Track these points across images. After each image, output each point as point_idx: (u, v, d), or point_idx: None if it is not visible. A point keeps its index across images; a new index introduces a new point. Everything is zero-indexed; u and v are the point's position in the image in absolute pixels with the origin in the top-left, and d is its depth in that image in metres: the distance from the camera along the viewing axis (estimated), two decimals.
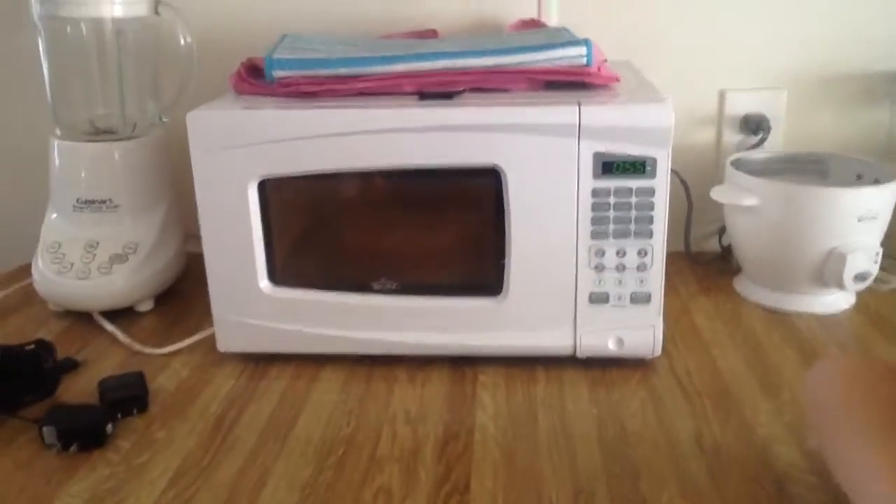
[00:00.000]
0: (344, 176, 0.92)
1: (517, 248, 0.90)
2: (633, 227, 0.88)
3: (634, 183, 0.87)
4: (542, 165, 0.87)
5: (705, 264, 1.23)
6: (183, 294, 1.18)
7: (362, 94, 0.93)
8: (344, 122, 0.88)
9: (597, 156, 0.87)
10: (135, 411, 0.88)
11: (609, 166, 0.87)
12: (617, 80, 0.94)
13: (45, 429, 0.82)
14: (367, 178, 0.92)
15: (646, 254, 0.89)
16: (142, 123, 1.16)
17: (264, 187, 0.92)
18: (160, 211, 1.15)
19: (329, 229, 0.95)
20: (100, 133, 1.16)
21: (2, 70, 1.34)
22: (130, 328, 1.07)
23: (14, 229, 1.28)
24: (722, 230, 1.25)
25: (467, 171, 0.89)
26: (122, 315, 1.10)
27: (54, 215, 1.14)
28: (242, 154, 0.90)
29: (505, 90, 0.93)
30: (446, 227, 0.94)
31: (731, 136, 1.27)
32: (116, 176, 1.12)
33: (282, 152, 0.89)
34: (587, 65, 0.93)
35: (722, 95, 1.26)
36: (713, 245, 1.27)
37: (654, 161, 0.86)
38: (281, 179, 0.91)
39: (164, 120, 1.18)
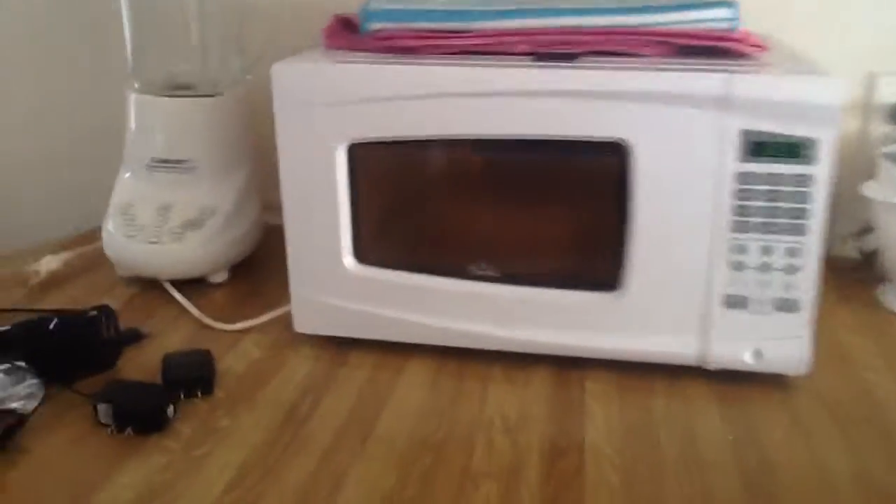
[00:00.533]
0: (443, 144, 0.80)
1: (641, 238, 0.77)
2: (782, 221, 0.74)
3: (788, 169, 0.73)
4: (677, 142, 0.74)
5: (843, 271, 1.08)
6: (259, 267, 1.09)
7: (468, 52, 0.81)
8: (447, 82, 0.76)
9: (745, 134, 0.73)
10: (199, 393, 0.79)
11: (759, 147, 0.73)
12: (765, 49, 0.80)
13: (99, 406, 0.73)
14: (469, 149, 0.81)
15: (797, 254, 0.75)
16: (224, 80, 1.07)
17: (354, 152, 0.81)
18: (240, 175, 1.06)
19: (423, 204, 0.84)
20: (179, 88, 1.07)
21: (81, 19, 1.27)
22: (201, 300, 0.99)
23: (88, 189, 1.21)
24: (863, 232, 1.09)
25: (587, 145, 0.76)
26: (193, 285, 1.03)
27: (127, 174, 1.06)
28: (331, 114, 0.79)
29: (632, 55, 0.80)
30: (558, 209, 0.81)
31: (880, 126, 1.11)
32: (195, 135, 1.03)
33: (375, 113, 0.78)
34: (732, 30, 0.79)
35: (871, 79, 1.10)
36: (849, 250, 1.12)
37: (815, 144, 0.72)
38: (372, 144, 0.81)
39: (249, 77, 1.08)
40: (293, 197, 0.84)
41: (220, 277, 1.06)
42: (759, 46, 0.79)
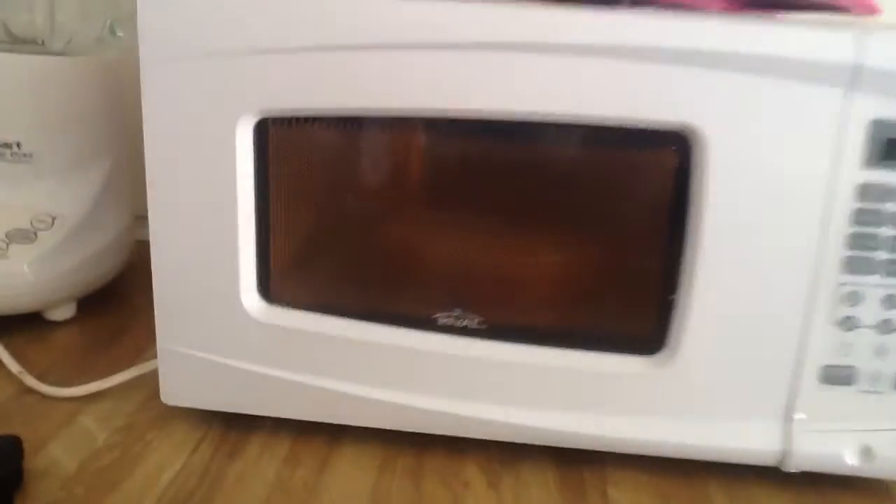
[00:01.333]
0: (406, 124, 0.52)
1: (704, 278, 0.50)
2: None
3: None
4: (771, 135, 0.48)
5: None
6: (122, 302, 0.77)
7: None
8: (418, 25, 0.48)
9: (877, 127, 0.48)
10: None
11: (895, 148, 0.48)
12: (878, 11, 0.55)
13: None
14: (445, 133, 0.52)
15: None
16: (82, 36, 0.75)
17: (264, 133, 0.52)
18: (97, 170, 0.75)
19: (371, 216, 0.55)
20: (17, 43, 0.75)
21: None
22: (29, 348, 0.68)
23: None
24: None
25: (630, 133, 0.50)
26: (19, 325, 0.71)
27: None
28: (231, 70, 0.50)
29: (689, 5, 0.53)
30: (578, 230, 0.54)
31: None
32: (30, 108, 0.71)
33: (300, 72, 0.49)
34: None
35: None
36: None
37: None
38: (294, 121, 0.52)
39: (119, 35, 0.77)
40: (164, 199, 0.54)
41: (62, 315, 0.75)
42: (869, 7, 0.54)
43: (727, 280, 0.51)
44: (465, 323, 0.55)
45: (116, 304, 0.79)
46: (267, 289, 0.56)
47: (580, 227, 0.53)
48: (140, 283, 0.82)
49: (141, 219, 0.61)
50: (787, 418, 0.53)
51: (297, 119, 0.52)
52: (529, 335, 0.55)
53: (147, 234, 0.55)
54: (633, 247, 0.53)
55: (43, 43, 0.75)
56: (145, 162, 0.53)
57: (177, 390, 0.58)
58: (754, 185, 0.49)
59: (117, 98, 0.76)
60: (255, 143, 0.52)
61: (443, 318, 0.55)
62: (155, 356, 0.59)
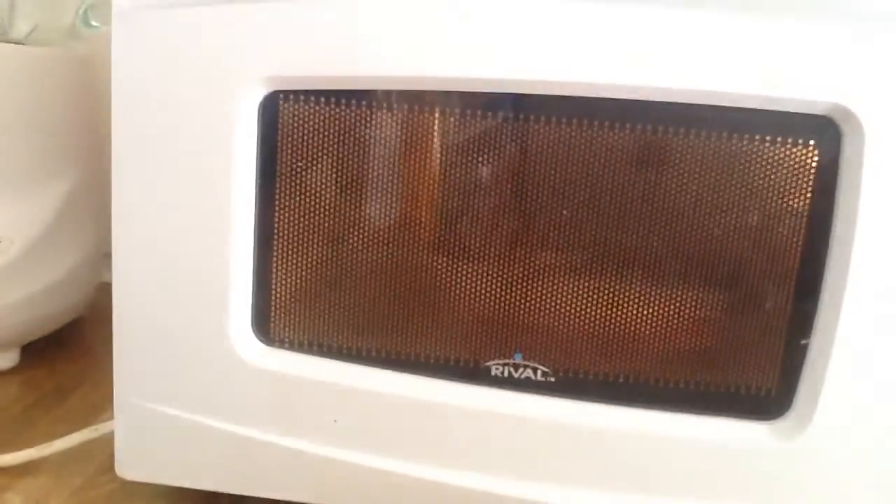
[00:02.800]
0: (455, 104, 0.40)
1: (851, 315, 0.38)
2: None
3: None
4: None
5: None
6: (77, 352, 0.63)
7: None
8: None
9: None
10: None
11: None
12: None
13: None
14: (505, 118, 0.40)
15: None
16: (50, 24, 0.63)
17: (273, 111, 0.39)
18: (58, 188, 0.62)
19: (403, 232, 0.42)
20: None
21: None
22: None
23: None
24: None
25: (754, 120, 0.38)
26: None
27: None
28: (229, 23, 0.38)
29: None
30: (675, 254, 0.41)
31: None
32: None
33: (325, 26, 0.37)
34: None
35: None
36: None
37: None
38: (313, 97, 0.39)
39: (95, 25, 0.65)
40: (133, 203, 0.40)
41: (2, 363, 0.60)
42: None
43: (883, 321, 0.38)
44: (526, 374, 0.42)
45: (69, 353, 0.65)
46: (266, 326, 0.43)
47: (684, 248, 0.41)
48: (101, 333, 0.68)
49: (107, 257, 0.47)
50: None
51: (318, 94, 0.39)
52: (609, 391, 0.41)
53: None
54: (753, 274, 0.40)
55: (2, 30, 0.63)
56: (112, 153, 0.40)
57: (138, 460, 0.44)
58: None
59: (88, 100, 0.63)
60: (259, 126, 0.39)
61: (497, 367, 0.42)
62: (112, 417, 0.45)
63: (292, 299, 0.43)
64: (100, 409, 0.56)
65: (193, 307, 0.41)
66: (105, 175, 0.42)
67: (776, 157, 0.39)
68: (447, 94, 0.40)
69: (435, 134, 0.41)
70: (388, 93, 0.39)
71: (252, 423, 0.42)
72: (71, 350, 0.66)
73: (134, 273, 0.41)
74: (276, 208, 0.41)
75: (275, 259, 0.42)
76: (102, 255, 0.67)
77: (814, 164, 0.38)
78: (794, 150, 0.38)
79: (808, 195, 0.38)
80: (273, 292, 0.42)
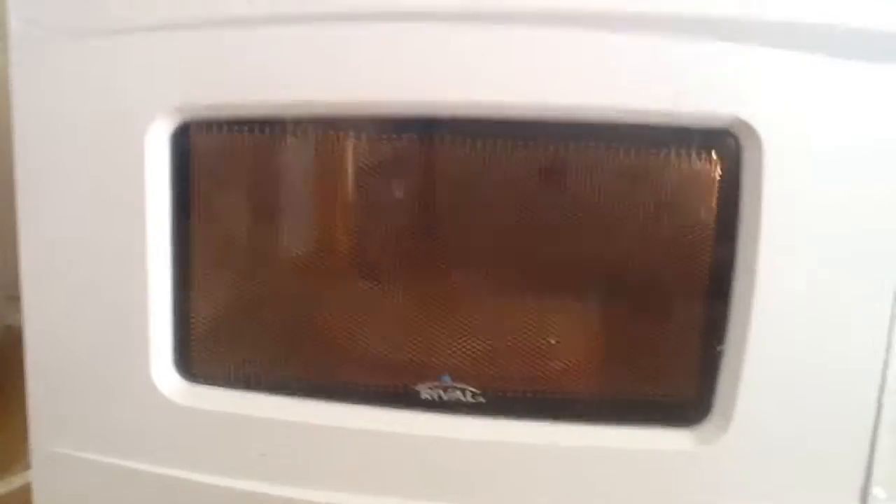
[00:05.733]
0: (370, 126, 0.40)
1: (761, 321, 0.39)
2: None
3: None
4: (844, 130, 0.38)
5: None
6: None
7: None
8: None
9: None
10: None
11: None
12: None
13: None
14: (421, 138, 0.41)
15: None
16: None
17: (184, 142, 0.39)
18: None
19: (324, 259, 0.42)
20: None
21: None
22: None
23: None
24: None
25: (661, 134, 0.39)
26: None
27: None
28: (138, 52, 0.37)
29: None
30: (594, 268, 0.42)
31: None
32: None
33: (237, 53, 0.37)
34: None
35: None
36: None
37: None
38: (225, 127, 0.39)
39: None
40: (43, 240, 0.39)
41: None
42: None
43: (791, 323, 0.40)
44: (455, 395, 0.42)
45: None
46: (188, 362, 0.42)
47: (599, 261, 0.42)
48: (8, 379, 0.65)
49: (13, 300, 0.45)
50: (863, 497, 0.41)
51: (231, 124, 0.39)
52: (537, 408, 0.42)
53: (20, 320, 0.40)
54: (667, 284, 0.42)
55: None
56: (17, 190, 0.39)
57: None
58: (823, 195, 0.38)
59: None
60: (172, 157, 0.39)
61: (426, 391, 0.42)
62: (27, 468, 0.43)
63: (213, 333, 0.42)
64: (11, 462, 0.53)
65: (112, 347, 0.40)
66: (6, 214, 0.41)
67: (680, 170, 0.40)
68: (358, 119, 0.40)
69: (347, 158, 0.41)
70: (299, 119, 0.39)
71: (179, 464, 0.41)
72: None
73: (47, 314, 0.40)
74: (193, 241, 0.41)
75: (194, 293, 0.41)
76: (6, 299, 0.64)
77: (717, 176, 0.40)
78: (698, 162, 0.40)
79: (713, 205, 0.40)
80: (194, 327, 0.42)
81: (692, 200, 0.40)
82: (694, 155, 0.40)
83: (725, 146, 0.39)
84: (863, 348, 0.40)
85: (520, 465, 0.41)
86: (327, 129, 0.39)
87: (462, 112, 0.38)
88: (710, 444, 0.41)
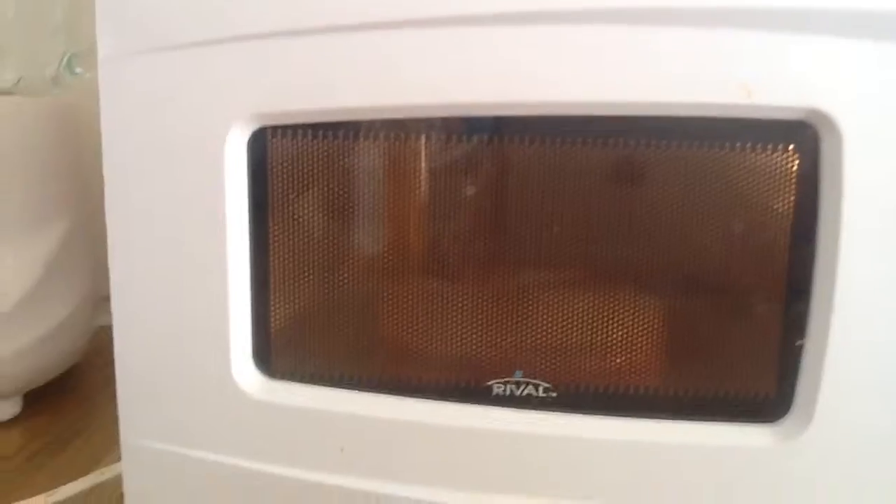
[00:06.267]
0: (445, 127, 0.40)
1: (844, 313, 0.38)
2: None
3: None
4: None
5: None
6: (79, 399, 0.63)
7: None
8: None
9: None
10: None
11: None
12: None
13: None
14: (497, 140, 0.41)
15: None
16: (34, 73, 0.64)
17: (262, 146, 0.40)
18: (50, 237, 0.62)
19: (399, 257, 0.43)
20: None
21: None
22: None
23: None
24: None
25: (734, 128, 0.38)
26: None
27: None
28: (216, 64, 0.38)
29: None
30: (667, 264, 0.42)
31: None
32: None
33: (310, 61, 0.38)
34: None
35: None
36: None
37: None
38: (301, 131, 0.40)
39: (78, 71, 0.66)
40: (130, 242, 0.41)
41: (4, 413, 0.60)
42: None
43: (873, 317, 0.38)
44: (527, 391, 0.42)
45: (71, 399, 0.65)
46: (267, 359, 0.43)
47: (674, 258, 0.41)
48: (101, 377, 0.68)
49: (104, 301, 0.47)
50: None
51: (306, 128, 0.40)
52: (611, 404, 0.42)
53: (111, 320, 0.42)
54: (743, 279, 0.41)
55: None
56: (105, 198, 0.41)
57: (147, 502, 0.44)
58: None
59: (75, 147, 0.64)
60: (249, 162, 0.40)
61: (499, 386, 0.42)
62: (117, 460, 0.45)
63: (292, 331, 0.43)
64: (104, 454, 0.56)
65: (194, 345, 0.41)
66: (97, 219, 0.42)
67: (757, 164, 0.39)
68: (429, 121, 0.40)
69: (417, 160, 0.41)
70: (370, 122, 0.40)
71: (259, 457, 0.43)
72: (72, 396, 0.66)
73: (134, 315, 0.42)
74: (271, 242, 0.42)
75: (272, 292, 0.43)
76: (100, 299, 0.67)
77: (794, 169, 0.39)
78: (774, 155, 0.39)
79: (792, 199, 0.39)
80: (272, 325, 0.43)
81: (770, 195, 0.39)
82: (771, 148, 0.39)
83: (803, 138, 0.38)
84: None
85: (594, 460, 0.41)
86: (397, 131, 0.40)
87: (530, 111, 0.38)
88: (792, 441, 0.40)
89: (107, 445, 0.56)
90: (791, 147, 0.39)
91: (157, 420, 0.43)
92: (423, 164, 0.41)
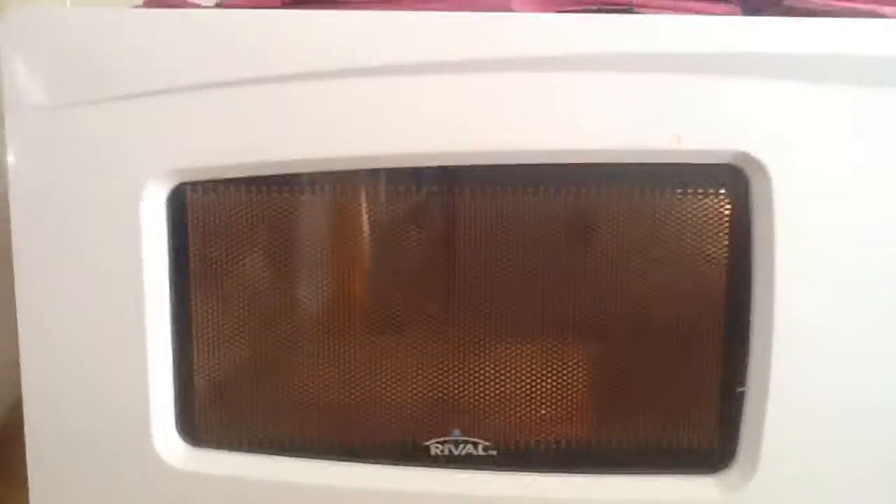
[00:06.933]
0: (372, 182, 0.39)
1: (784, 358, 0.38)
2: None
3: None
4: (852, 157, 0.37)
5: None
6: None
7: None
8: (399, 44, 0.36)
9: None
10: None
11: None
12: None
13: None
14: (427, 192, 0.40)
15: None
16: None
17: (181, 203, 0.38)
18: None
19: (328, 318, 0.41)
20: None
21: None
22: None
23: None
24: None
25: (665, 174, 0.38)
26: None
27: None
28: (132, 118, 0.37)
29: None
30: (605, 316, 0.41)
31: None
32: None
33: (228, 114, 0.37)
34: None
35: None
36: None
37: None
38: (221, 186, 0.38)
39: None
40: (39, 308, 0.38)
41: None
42: None
43: (815, 355, 0.38)
44: (467, 449, 0.40)
45: None
46: (191, 426, 0.40)
47: (612, 306, 0.40)
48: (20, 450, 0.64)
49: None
50: None
51: (226, 183, 0.38)
52: (553, 460, 0.40)
53: None
54: (682, 326, 0.40)
55: None
56: (14, 262, 0.38)
57: None
58: (835, 225, 0.37)
59: None
60: (169, 222, 0.38)
61: (436, 446, 0.40)
62: None
63: (218, 395, 0.41)
64: None
65: (113, 414, 0.39)
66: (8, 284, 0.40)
67: (690, 208, 0.39)
68: (365, 173, 0.39)
69: (350, 215, 0.40)
70: (296, 176, 0.38)
71: None
72: None
73: (45, 385, 0.39)
74: (192, 304, 0.40)
75: (195, 356, 0.40)
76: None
77: (727, 213, 0.39)
78: (706, 199, 0.39)
79: (725, 243, 0.39)
80: (196, 390, 0.41)
81: (705, 239, 0.39)
82: (702, 193, 0.38)
83: (734, 182, 0.38)
84: (887, 379, 0.38)
85: None
86: (325, 185, 0.39)
87: (468, 161, 0.38)
88: (737, 491, 0.39)
89: None
90: (722, 191, 0.38)
91: (72, 496, 0.40)
92: (354, 220, 0.40)
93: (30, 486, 0.40)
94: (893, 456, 0.38)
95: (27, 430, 0.40)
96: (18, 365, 0.55)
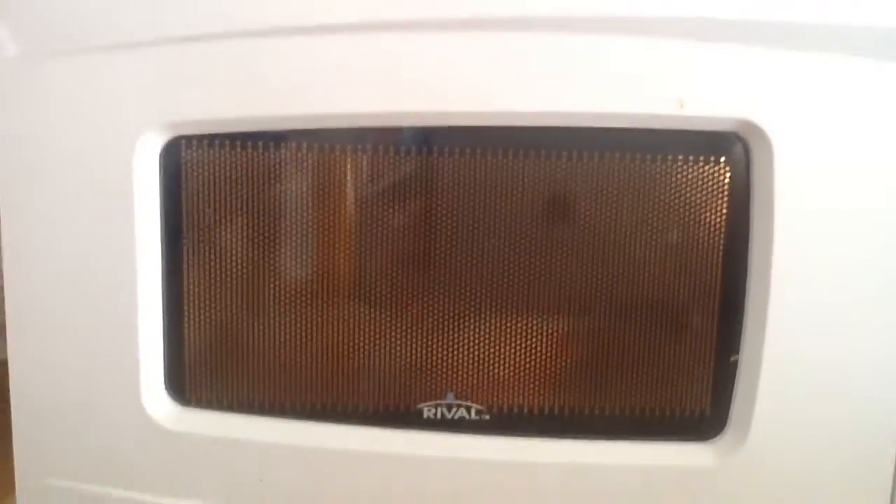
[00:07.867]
0: (370, 139, 0.38)
1: (777, 328, 0.38)
2: None
3: None
4: (854, 129, 0.37)
5: None
6: None
7: None
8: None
9: None
10: None
11: None
12: None
13: None
14: (423, 152, 0.39)
15: None
16: None
17: (174, 157, 0.37)
18: None
19: (322, 278, 0.41)
20: None
21: None
22: None
23: None
24: None
25: (667, 141, 0.38)
26: None
27: None
28: (125, 68, 0.36)
29: None
30: (601, 281, 0.41)
31: None
32: None
33: (225, 66, 0.36)
34: None
35: None
36: None
37: None
38: (216, 141, 0.37)
39: None
40: (26, 260, 0.38)
41: None
42: None
43: (807, 329, 0.38)
44: (459, 413, 0.40)
45: None
46: (181, 386, 0.40)
47: (606, 272, 0.40)
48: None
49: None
50: None
51: (221, 138, 0.37)
52: (545, 425, 0.40)
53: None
54: (677, 294, 0.40)
55: None
56: (0, 215, 0.38)
57: None
58: (836, 197, 0.37)
59: None
60: (161, 174, 0.37)
61: (429, 410, 0.40)
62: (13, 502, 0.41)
63: (209, 356, 0.41)
64: (3, 494, 0.52)
65: (101, 372, 0.38)
66: None
67: (689, 176, 0.39)
68: (356, 132, 0.38)
69: (345, 174, 0.39)
70: (292, 132, 0.38)
71: (174, 491, 0.40)
72: None
73: (32, 342, 0.38)
74: (185, 261, 0.39)
75: (187, 314, 0.40)
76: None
77: (726, 181, 0.38)
78: (706, 167, 0.38)
79: (724, 211, 0.39)
80: (187, 350, 0.40)
81: (703, 207, 0.39)
82: (703, 160, 0.38)
83: (735, 150, 0.38)
84: (884, 352, 0.39)
85: (529, 484, 0.40)
86: (320, 142, 0.38)
87: (461, 122, 0.37)
88: (729, 458, 0.39)
89: (6, 484, 0.52)
90: (723, 159, 0.38)
91: (60, 456, 0.40)
92: (348, 179, 0.39)
93: (15, 445, 0.39)
94: (884, 419, 0.39)
95: (13, 388, 0.39)
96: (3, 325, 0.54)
